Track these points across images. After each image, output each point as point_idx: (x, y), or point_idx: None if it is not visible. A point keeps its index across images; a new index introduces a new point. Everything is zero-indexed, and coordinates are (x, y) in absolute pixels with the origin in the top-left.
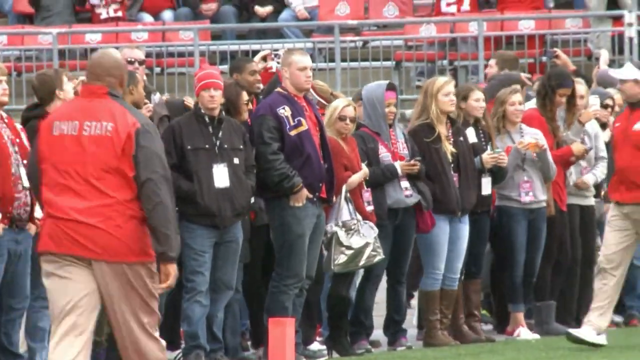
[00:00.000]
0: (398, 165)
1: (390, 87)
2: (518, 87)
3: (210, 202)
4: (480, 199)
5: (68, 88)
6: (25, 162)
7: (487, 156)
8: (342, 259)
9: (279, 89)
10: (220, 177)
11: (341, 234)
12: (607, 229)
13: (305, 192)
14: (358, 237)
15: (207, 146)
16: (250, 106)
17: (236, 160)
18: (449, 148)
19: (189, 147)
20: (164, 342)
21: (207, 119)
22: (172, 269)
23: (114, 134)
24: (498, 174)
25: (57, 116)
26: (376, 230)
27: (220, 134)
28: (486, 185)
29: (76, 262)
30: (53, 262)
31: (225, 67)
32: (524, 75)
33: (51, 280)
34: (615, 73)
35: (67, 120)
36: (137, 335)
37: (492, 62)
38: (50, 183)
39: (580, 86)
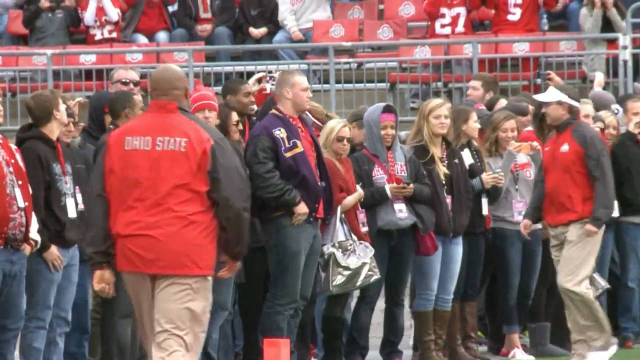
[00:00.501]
0: (388, 187)
1: (389, 110)
2: (512, 113)
3: None
4: (480, 219)
5: (62, 109)
6: (20, 182)
7: (486, 177)
8: (339, 279)
9: (273, 111)
10: None
11: (338, 254)
12: (553, 255)
13: (304, 206)
14: (355, 258)
15: None
16: (241, 127)
17: None
18: (442, 170)
19: None
20: None
21: None
22: (238, 264)
23: (188, 149)
24: (493, 193)
25: (127, 131)
26: (372, 250)
27: None
28: (484, 206)
29: (146, 279)
30: (130, 281)
31: (219, 89)
32: (532, 108)
33: (132, 297)
34: (539, 97)
35: (139, 135)
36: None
37: (477, 84)
38: (117, 198)
39: (588, 106)
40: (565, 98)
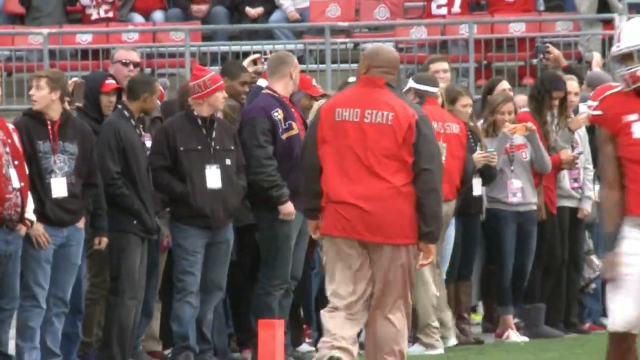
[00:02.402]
0: None
1: None
2: (511, 95)
3: (203, 203)
4: (471, 200)
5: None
6: (16, 162)
7: (478, 155)
8: None
9: (267, 91)
10: (213, 178)
11: None
12: None
13: (290, 206)
14: None
15: (199, 147)
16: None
17: (228, 161)
18: None
19: (181, 148)
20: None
21: (199, 121)
22: (434, 247)
23: (394, 123)
24: (487, 174)
25: (337, 103)
26: None
27: (213, 135)
28: (476, 186)
29: (354, 245)
30: (334, 245)
31: (216, 68)
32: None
33: (331, 262)
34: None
35: (349, 107)
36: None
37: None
38: (330, 166)
39: (573, 82)
40: (413, 84)
